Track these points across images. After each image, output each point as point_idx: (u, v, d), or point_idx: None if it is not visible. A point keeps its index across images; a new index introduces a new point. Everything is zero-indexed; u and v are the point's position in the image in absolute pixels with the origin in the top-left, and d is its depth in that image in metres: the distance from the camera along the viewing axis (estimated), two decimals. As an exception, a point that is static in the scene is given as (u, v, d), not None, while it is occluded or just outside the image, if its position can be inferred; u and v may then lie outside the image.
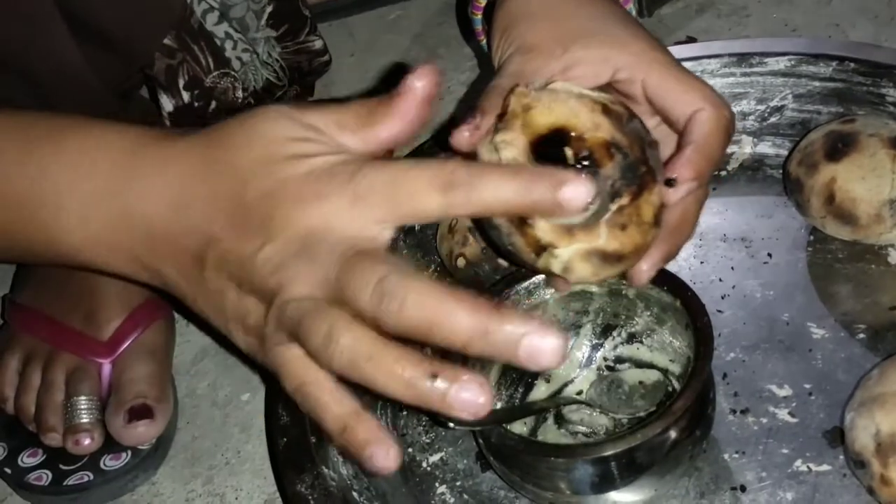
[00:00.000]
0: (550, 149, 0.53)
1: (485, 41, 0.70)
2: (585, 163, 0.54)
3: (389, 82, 0.48)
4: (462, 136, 0.55)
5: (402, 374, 0.42)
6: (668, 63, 0.59)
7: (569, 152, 0.54)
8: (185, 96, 0.78)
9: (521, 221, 0.52)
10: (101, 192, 0.49)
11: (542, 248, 0.53)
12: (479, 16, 0.72)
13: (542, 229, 0.52)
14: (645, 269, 0.57)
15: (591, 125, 0.54)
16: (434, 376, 0.41)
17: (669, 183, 0.55)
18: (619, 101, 0.56)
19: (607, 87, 0.59)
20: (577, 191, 0.42)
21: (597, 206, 0.53)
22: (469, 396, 0.41)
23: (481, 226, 0.56)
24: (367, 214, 0.44)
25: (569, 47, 0.59)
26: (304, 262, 0.44)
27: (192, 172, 0.48)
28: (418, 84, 0.46)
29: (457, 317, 0.41)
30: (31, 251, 0.54)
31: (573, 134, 0.54)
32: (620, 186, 0.54)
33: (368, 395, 0.44)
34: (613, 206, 0.53)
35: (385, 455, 0.43)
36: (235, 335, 0.48)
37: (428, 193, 0.43)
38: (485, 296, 0.42)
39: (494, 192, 0.43)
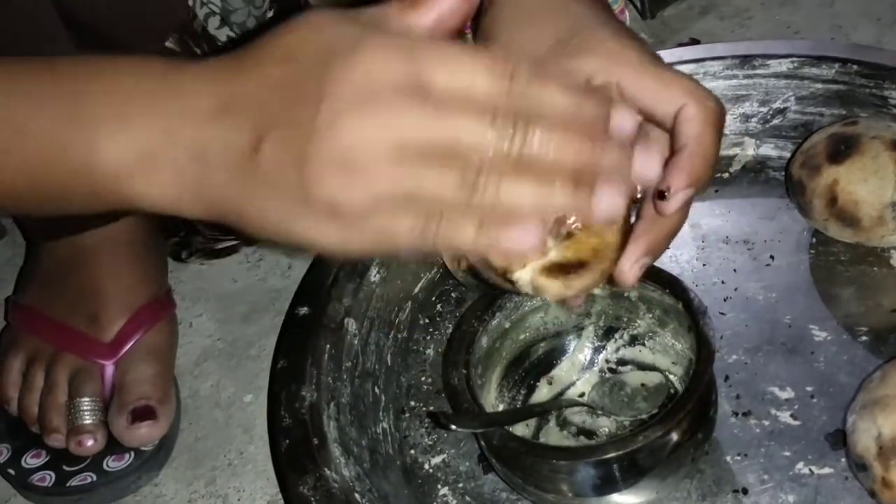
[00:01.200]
0: None
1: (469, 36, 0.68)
2: None
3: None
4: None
5: (555, 182, 0.42)
6: (640, 61, 0.53)
7: None
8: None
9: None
10: (142, 113, 0.46)
11: (506, 277, 0.51)
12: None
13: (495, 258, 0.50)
14: (626, 268, 0.52)
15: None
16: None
17: (661, 195, 0.51)
18: None
19: None
20: (627, 120, 0.44)
21: None
22: (614, 199, 0.44)
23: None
24: (424, 75, 0.41)
25: (543, 60, 0.54)
26: (376, 107, 0.41)
27: (232, 71, 0.44)
28: None
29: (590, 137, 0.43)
30: (67, 189, 0.49)
31: None
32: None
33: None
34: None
35: (534, 230, 0.43)
36: (303, 224, 0.44)
37: (487, 77, 0.41)
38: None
39: (552, 97, 0.42)
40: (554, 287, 0.51)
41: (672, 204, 0.51)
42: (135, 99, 0.46)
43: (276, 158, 0.42)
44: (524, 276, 0.51)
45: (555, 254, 0.50)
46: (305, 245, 0.45)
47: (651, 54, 0.54)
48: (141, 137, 0.45)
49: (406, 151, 0.41)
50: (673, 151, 0.52)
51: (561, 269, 0.50)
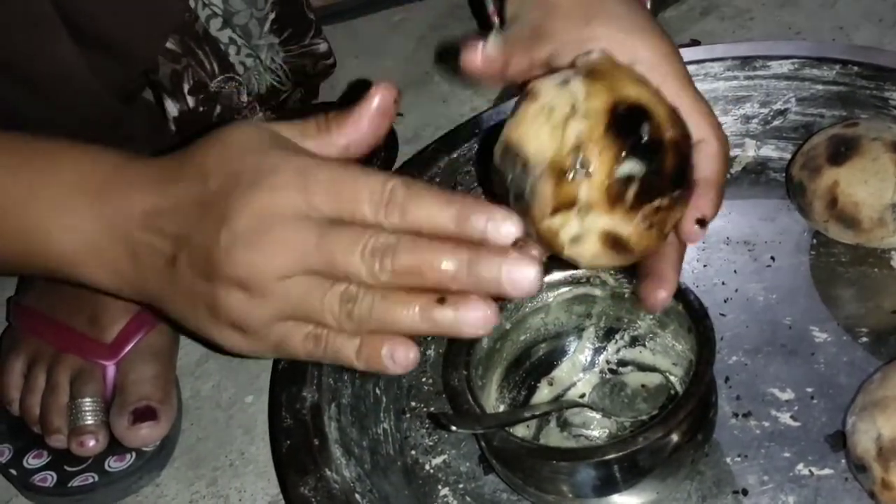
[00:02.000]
0: (628, 121, 0.51)
1: (497, 22, 0.68)
2: (655, 152, 0.51)
3: (352, 98, 0.51)
4: (474, 59, 0.57)
5: (414, 305, 0.47)
6: (685, 77, 0.57)
7: (647, 135, 0.51)
8: (190, 101, 0.78)
9: (562, 171, 0.50)
10: (91, 207, 0.52)
11: (568, 206, 0.51)
12: None
13: (587, 188, 0.50)
14: (664, 296, 0.56)
15: (669, 121, 0.52)
16: (441, 301, 0.47)
17: (702, 223, 0.54)
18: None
19: None
20: (508, 230, 0.46)
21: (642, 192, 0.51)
22: (477, 313, 0.46)
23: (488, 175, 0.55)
24: (313, 203, 0.47)
25: (591, 20, 0.57)
26: (267, 238, 0.47)
27: (165, 180, 0.51)
28: (375, 98, 0.50)
29: (443, 254, 0.46)
30: (28, 261, 0.56)
31: (653, 119, 0.52)
32: (667, 187, 0.52)
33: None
34: (654, 203, 0.52)
35: (405, 350, 0.48)
36: (213, 331, 0.51)
37: (367, 204, 0.47)
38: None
39: (428, 216, 0.47)
40: (589, 250, 0.52)
41: (704, 231, 0.55)
42: (88, 192, 0.53)
43: (187, 272, 0.49)
44: (591, 222, 0.51)
45: (630, 230, 0.52)
46: (222, 347, 0.51)
47: (687, 70, 0.58)
48: (88, 230, 0.52)
49: (293, 277, 0.47)
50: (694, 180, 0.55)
51: (614, 243, 0.52)
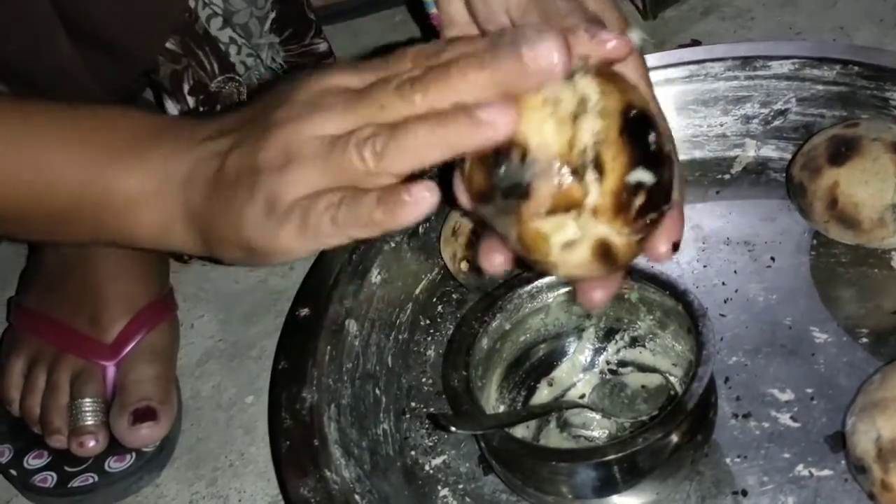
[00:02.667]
0: (640, 127, 0.48)
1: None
2: (660, 159, 0.49)
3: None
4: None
5: (429, 119, 0.45)
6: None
7: (652, 140, 0.48)
8: (190, 101, 0.78)
9: (571, 170, 0.47)
10: (149, 149, 0.53)
11: (568, 209, 0.47)
12: None
13: (596, 191, 0.47)
14: (600, 297, 0.53)
15: (665, 130, 0.50)
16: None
17: (675, 247, 0.51)
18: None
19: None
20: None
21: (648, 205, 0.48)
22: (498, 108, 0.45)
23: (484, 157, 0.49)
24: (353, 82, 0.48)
25: None
26: (313, 108, 0.48)
27: (221, 119, 0.52)
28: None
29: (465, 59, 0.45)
30: (72, 219, 0.55)
31: (658, 130, 0.49)
32: (663, 201, 0.49)
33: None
34: (651, 215, 0.48)
35: (421, 186, 0.46)
36: (249, 219, 0.49)
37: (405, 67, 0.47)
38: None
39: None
40: (578, 256, 0.48)
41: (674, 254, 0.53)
42: (147, 137, 0.53)
43: (234, 169, 0.49)
44: (590, 227, 0.48)
45: (625, 239, 0.48)
46: (260, 252, 0.50)
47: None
48: (150, 169, 0.52)
49: (318, 144, 0.47)
50: None
51: (604, 253, 0.48)
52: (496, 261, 0.51)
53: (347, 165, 0.46)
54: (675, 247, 0.52)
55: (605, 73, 0.49)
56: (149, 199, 0.52)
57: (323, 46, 0.93)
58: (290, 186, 0.47)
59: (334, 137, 0.47)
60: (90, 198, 0.54)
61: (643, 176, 0.47)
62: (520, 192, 0.47)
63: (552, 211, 0.47)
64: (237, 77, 0.80)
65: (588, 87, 0.48)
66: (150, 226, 0.53)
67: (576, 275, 0.50)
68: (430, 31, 0.73)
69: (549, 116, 0.47)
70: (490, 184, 0.48)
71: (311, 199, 0.47)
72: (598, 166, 0.47)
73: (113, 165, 0.53)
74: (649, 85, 0.53)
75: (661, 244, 0.51)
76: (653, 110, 0.50)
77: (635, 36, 0.50)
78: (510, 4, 0.56)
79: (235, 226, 0.49)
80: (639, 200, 0.47)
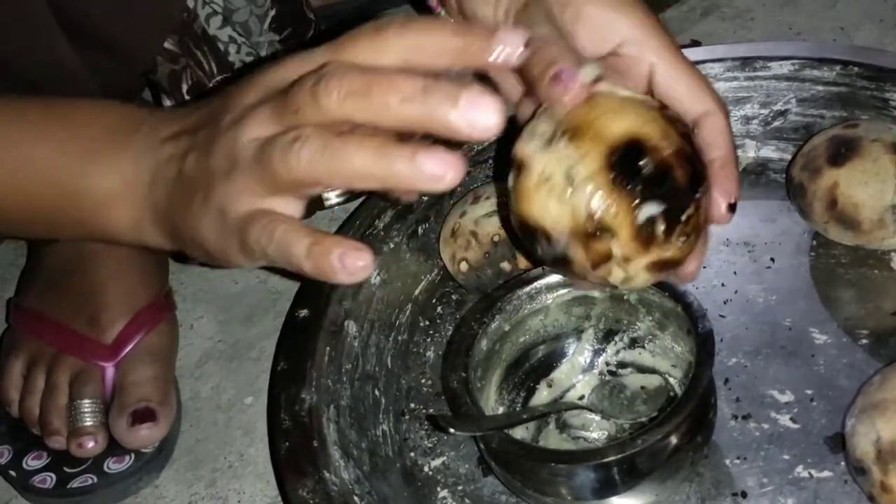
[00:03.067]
0: (629, 162, 0.50)
1: (443, 11, 0.65)
2: (664, 176, 0.51)
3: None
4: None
5: (371, 144, 0.43)
6: (676, 50, 0.56)
7: (649, 165, 0.50)
8: (189, 101, 0.78)
9: (587, 236, 0.50)
10: (121, 150, 0.53)
11: (606, 259, 0.51)
12: None
13: (617, 246, 0.51)
14: (694, 268, 0.55)
15: (662, 134, 0.51)
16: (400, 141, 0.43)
17: (732, 208, 0.54)
18: (661, 103, 0.54)
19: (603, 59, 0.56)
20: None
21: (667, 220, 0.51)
22: (437, 161, 0.42)
23: (514, 232, 0.54)
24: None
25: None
26: (251, 110, 0.47)
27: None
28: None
29: (395, 79, 0.42)
30: (56, 214, 0.56)
31: (648, 144, 0.50)
32: (689, 196, 0.52)
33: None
34: (683, 217, 0.52)
35: (357, 256, 0.44)
36: (202, 218, 0.49)
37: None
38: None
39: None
40: (643, 279, 0.53)
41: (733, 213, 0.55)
42: (119, 137, 0.53)
43: (191, 173, 0.49)
44: (636, 265, 0.52)
45: (671, 252, 0.52)
46: (217, 259, 0.50)
47: (671, 36, 0.56)
48: (121, 170, 0.53)
49: (254, 149, 0.46)
50: (708, 159, 0.54)
51: (663, 265, 0.53)
52: None
53: (275, 171, 0.45)
54: (733, 207, 0.55)
55: (577, 125, 0.51)
56: (120, 200, 0.52)
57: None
58: (235, 196, 0.47)
59: (266, 140, 0.45)
60: (68, 195, 0.54)
61: (650, 210, 0.51)
62: (564, 261, 0.52)
63: (595, 266, 0.52)
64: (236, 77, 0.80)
65: (566, 153, 0.50)
66: (126, 225, 0.53)
67: (648, 285, 0.55)
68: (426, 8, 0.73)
69: (549, 195, 0.51)
70: (538, 258, 0.54)
71: (250, 219, 0.46)
72: (606, 228, 0.50)
73: (87, 166, 0.53)
74: (672, 49, 0.56)
75: (717, 209, 0.54)
76: (636, 129, 0.50)
77: (589, 71, 0.51)
78: (499, 14, 0.57)
79: (194, 229, 0.49)
80: (660, 226, 0.51)
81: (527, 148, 0.51)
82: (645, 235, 0.51)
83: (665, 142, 0.51)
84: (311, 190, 0.46)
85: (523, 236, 0.53)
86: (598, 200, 0.50)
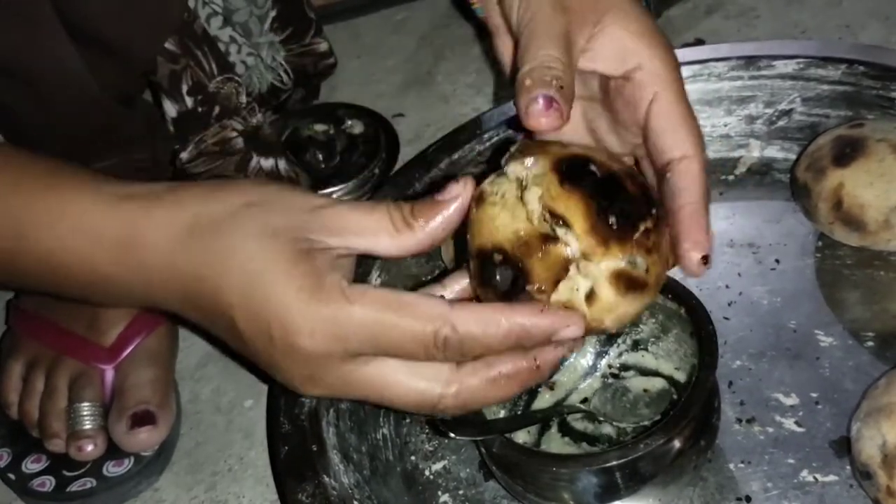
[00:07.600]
0: (577, 168, 0.51)
1: (478, 5, 0.66)
2: (614, 183, 0.52)
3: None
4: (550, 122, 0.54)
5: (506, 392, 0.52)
6: (680, 91, 0.56)
7: (595, 169, 0.51)
8: (189, 101, 0.78)
9: (542, 240, 0.50)
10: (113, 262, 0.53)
11: (565, 268, 0.50)
12: None
13: (573, 240, 0.50)
14: (697, 257, 0.54)
15: (608, 159, 0.53)
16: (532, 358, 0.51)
17: (706, 259, 0.53)
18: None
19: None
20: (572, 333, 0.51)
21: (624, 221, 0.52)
22: (565, 335, 0.51)
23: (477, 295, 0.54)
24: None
25: (602, 17, 0.56)
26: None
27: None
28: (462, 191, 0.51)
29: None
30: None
31: (597, 159, 0.52)
32: (644, 208, 0.52)
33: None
34: (641, 227, 0.51)
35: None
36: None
37: (418, 350, 0.49)
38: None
39: (487, 349, 0.50)
40: (609, 296, 0.51)
41: (709, 266, 0.54)
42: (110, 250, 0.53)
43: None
44: (596, 270, 0.51)
45: (629, 262, 0.51)
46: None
47: (682, 79, 0.57)
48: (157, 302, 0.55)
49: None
50: (675, 205, 0.54)
51: (629, 282, 0.51)
52: None
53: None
54: (706, 259, 0.54)
55: (526, 146, 0.53)
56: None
57: (323, 46, 0.93)
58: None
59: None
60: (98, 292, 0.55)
61: (602, 202, 0.51)
62: (521, 282, 0.51)
63: (556, 281, 0.50)
64: (236, 77, 0.79)
65: (517, 168, 0.52)
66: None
67: (624, 316, 0.53)
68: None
69: (501, 211, 0.51)
70: (499, 294, 0.52)
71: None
72: (560, 219, 0.50)
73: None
74: (676, 90, 0.56)
75: (688, 261, 0.53)
76: (583, 152, 0.53)
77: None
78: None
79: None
80: (614, 220, 0.51)
81: (483, 185, 0.53)
82: (600, 228, 0.50)
83: (612, 162, 0.53)
84: None
85: (482, 273, 0.52)
86: (550, 194, 0.50)
